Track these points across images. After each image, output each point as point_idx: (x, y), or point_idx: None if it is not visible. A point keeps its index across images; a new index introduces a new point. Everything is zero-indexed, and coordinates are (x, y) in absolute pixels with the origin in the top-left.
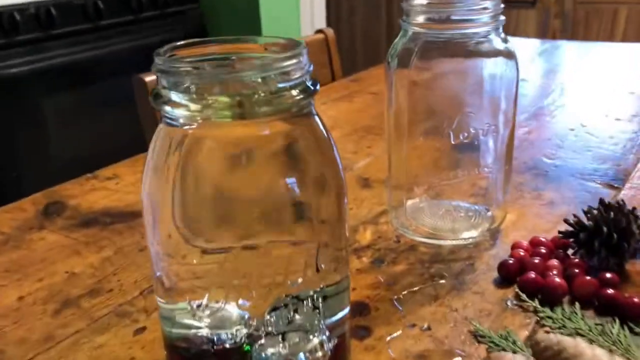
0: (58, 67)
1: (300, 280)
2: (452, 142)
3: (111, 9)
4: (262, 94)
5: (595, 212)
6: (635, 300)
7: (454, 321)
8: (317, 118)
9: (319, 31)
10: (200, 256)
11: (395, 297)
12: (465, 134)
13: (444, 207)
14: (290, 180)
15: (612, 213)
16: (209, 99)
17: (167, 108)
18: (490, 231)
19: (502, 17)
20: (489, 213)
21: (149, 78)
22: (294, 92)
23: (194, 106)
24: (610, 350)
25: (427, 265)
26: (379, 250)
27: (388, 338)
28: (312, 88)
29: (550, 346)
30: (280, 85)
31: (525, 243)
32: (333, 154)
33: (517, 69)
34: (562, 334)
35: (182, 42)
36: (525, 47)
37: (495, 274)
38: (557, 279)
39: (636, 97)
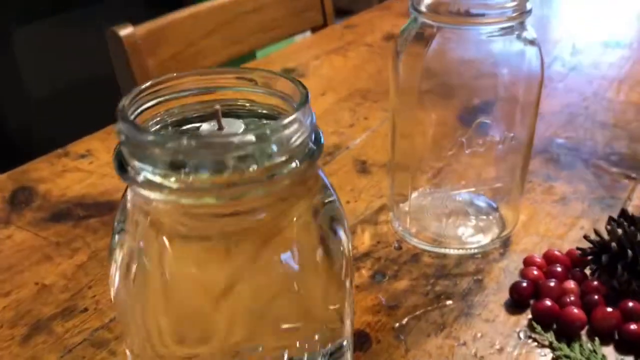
0: None
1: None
2: (466, 152)
3: None
4: (254, 167)
5: (618, 230)
6: None
7: (463, 359)
8: (320, 173)
9: None
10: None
11: (397, 324)
12: (480, 142)
13: (450, 204)
14: (291, 267)
15: (638, 234)
16: (189, 178)
17: (137, 189)
18: (500, 239)
19: (528, 8)
20: (498, 214)
21: (124, 32)
22: (295, 162)
23: (170, 184)
24: None
25: (432, 281)
26: (379, 261)
27: None
28: (315, 150)
29: None
30: (278, 159)
31: (538, 258)
32: (341, 217)
33: (542, 61)
34: None
35: (148, 84)
36: None
37: (506, 295)
38: (575, 310)
39: None
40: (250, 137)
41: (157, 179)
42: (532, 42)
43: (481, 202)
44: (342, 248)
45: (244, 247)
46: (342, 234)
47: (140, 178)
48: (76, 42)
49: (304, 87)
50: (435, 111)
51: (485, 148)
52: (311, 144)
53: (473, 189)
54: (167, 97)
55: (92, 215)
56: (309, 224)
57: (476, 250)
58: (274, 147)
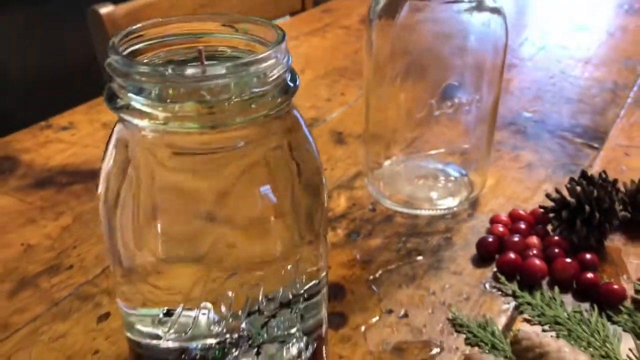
0: None
1: (276, 293)
2: (435, 114)
3: None
4: (235, 99)
5: (577, 187)
6: (615, 287)
7: (432, 306)
8: (296, 113)
9: None
10: (169, 269)
11: (371, 277)
12: (449, 104)
13: (422, 170)
14: (266, 192)
15: (595, 191)
16: (175, 106)
17: (126, 117)
18: (468, 200)
19: None
20: (467, 179)
21: (105, 10)
22: (272, 95)
23: (157, 113)
24: (589, 343)
25: (403, 239)
26: (354, 221)
27: (364, 327)
28: (292, 86)
29: (531, 348)
30: (256, 89)
31: (504, 217)
32: (314, 156)
33: (506, 28)
34: (541, 322)
35: (137, 26)
36: None
37: (473, 250)
38: (537, 261)
39: (614, 40)
40: (230, 69)
41: (146, 108)
42: (497, 10)
43: (451, 169)
44: (316, 183)
45: (225, 176)
46: (320, 172)
47: (130, 108)
48: (56, 30)
49: (282, 30)
50: (406, 82)
51: (453, 110)
52: (288, 81)
53: (443, 151)
54: (152, 41)
55: (75, 182)
56: (287, 159)
57: (446, 211)
58: (253, 80)
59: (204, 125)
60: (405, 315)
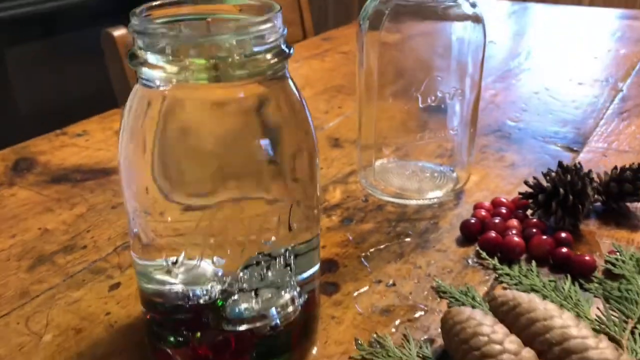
0: (23, 16)
1: (273, 238)
2: (420, 105)
3: None
4: (237, 57)
5: (553, 174)
6: (586, 258)
7: (418, 278)
8: (290, 81)
9: None
10: (177, 213)
11: (363, 254)
12: (433, 97)
13: (411, 167)
14: (264, 142)
15: (569, 176)
16: (185, 61)
17: (144, 69)
18: (454, 191)
19: None
20: (454, 174)
21: (118, 33)
22: (269, 56)
23: (170, 68)
24: (561, 306)
25: (393, 224)
26: (348, 210)
27: (355, 293)
28: (286, 51)
29: (506, 302)
30: (256, 48)
31: (487, 204)
32: (305, 115)
33: (485, 34)
34: (518, 290)
35: (157, 3)
36: (496, 8)
37: (457, 233)
38: (516, 238)
39: (599, 61)
40: (233, 29)
41: (161, 63)
42: (475, 9)
43: (438, 166)
44: (308, 136)
45: (227, 125)
46: (311, 128)
47: (147, 63)
48: (67, 62)
49: (279, 5)
50: (396, 95)
51: (437, 103)
52: (283, 47)
53: (431, 152)
54: (166, 19)
55: (88, 179)
56: (284, 114)
57: (433, 201)
58: (253, 40)
59: (211, 78)
60: (393, 284)
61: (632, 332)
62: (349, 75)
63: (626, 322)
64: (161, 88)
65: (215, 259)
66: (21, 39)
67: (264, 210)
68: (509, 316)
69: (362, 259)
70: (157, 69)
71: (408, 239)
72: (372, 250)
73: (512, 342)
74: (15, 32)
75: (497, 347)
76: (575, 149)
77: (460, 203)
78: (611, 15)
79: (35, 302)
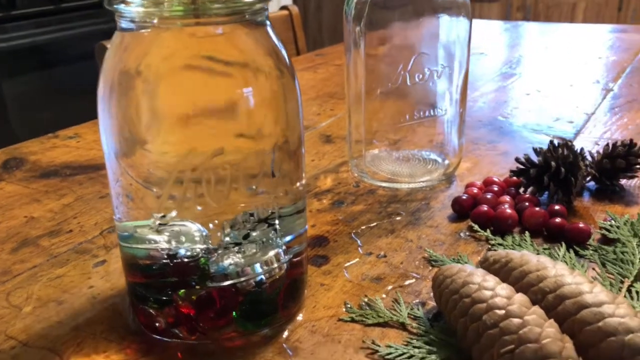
0: (19, 49)
1: (255, 187)
2: (408, 84)
3: None
4: None
5: (545, 149)
6: (581, 225)
7: (409, 250)
8: (270, 29)
9: (284, 7)
10: (156, 156)
11: (354, 231)
12: (421, 76)
13: (402, 154)
14: (247, 90)
15: (560, 150)
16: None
17: (122, 6)
18: (446, 175)
19: None
20: (446, 161)
21: None
22: None
23: (147, 2)
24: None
25: (384, 205)
26: (339, 194)
27: (346, 264)
28: None
29: (498, 259)
30: None
31: (478, 183)
32: (283, 58)
33: (469, 13)
34: None
35: None
36: (490, 26)
37: (449, 211)
38: (509, 210)
39: (590, 67)
40: None
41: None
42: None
43: (429, 153)
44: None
45: (208, 65)
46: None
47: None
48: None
49: None
50: (385, 96)
51: (424, 81)
52: None
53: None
54: None
55: (78, 174)
56: (267, 61)
57: (424, 184)
58: None
59: (188, 11)
60: (384, 256)
61: (629, 290)
62: (342, 84)
63: (622, 282)
64: (140, 30)
65: (199, 208)
66: (17, 72)
67: (246, 154)
68: (502, 272)
69: (353, 235)
70: (135, 4)
71: (399, 218)
72: (363, 227)
73: (503, 289)
74: (11, 65)
75: (488, 292)
76: (567, 139)
77: (452, 186)
78: (602, 30)
79: (17, 279)
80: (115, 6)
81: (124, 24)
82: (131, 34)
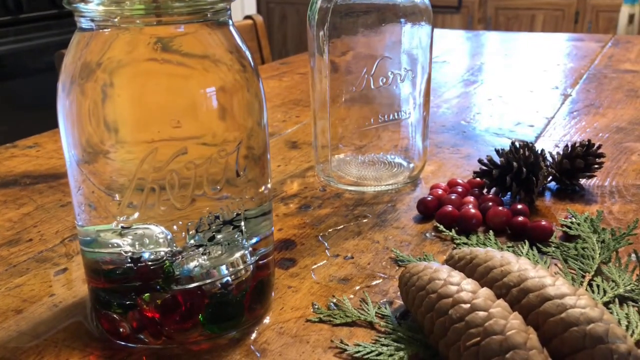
0: None
1: (219, 187)
2: (372, 87)
3: (32, 2)
4: None
5: (506, 151)
6: (543, 223)
7: (376, 251)
8: (233, 29)
9: (248, 17)
10: (120, 156)
11: (321, 234)
12: (384, 79)
13: (368, 159)
14: (210, 90)
15: (522, 151)
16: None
17: (81, 5)
18: (411, 178)
19: None
20: (411, 164)
21: None
22: None
23: (108, 0)
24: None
25: (351, 208)
26: (306, 198)
27: (313, 267)
28: None
29: (463, 256)
30: None
31: (443, 185)
32: (245, 54)
33: (431, 18)
34: None
35: None
36: (453, 36)
37: (415, 213)
38: (472, 210)
39: (549, 74)
40: None
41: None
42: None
43: (394, 157)
44: (248, 74)
45: (171, 64)
46: (251, 66)
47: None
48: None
49: None
50: (350, 103)
51: (388, 85)
52: None
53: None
54: None
55: (38, 182)
56: (229, 56)
57: (390, 187)
58: None
59: (149, 10)
60: (351, 257)
61: (590, 284)
62: (307, 91)
63: (584, 277)
64: (101, 30)
65: (162, 209)
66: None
67: (210, 154)
68: (467, 269)
69: (320, 238)
70: (95, 3)
71: (365, 220)
72: (330, 230)
73: (469, 284)
74: None
75: (454, 287)
76: (526, 141)
77: (417, 189)
78: (560, 39)
79: None
80: (75, 5)
81: (84, 23)
82: (91, 33)
